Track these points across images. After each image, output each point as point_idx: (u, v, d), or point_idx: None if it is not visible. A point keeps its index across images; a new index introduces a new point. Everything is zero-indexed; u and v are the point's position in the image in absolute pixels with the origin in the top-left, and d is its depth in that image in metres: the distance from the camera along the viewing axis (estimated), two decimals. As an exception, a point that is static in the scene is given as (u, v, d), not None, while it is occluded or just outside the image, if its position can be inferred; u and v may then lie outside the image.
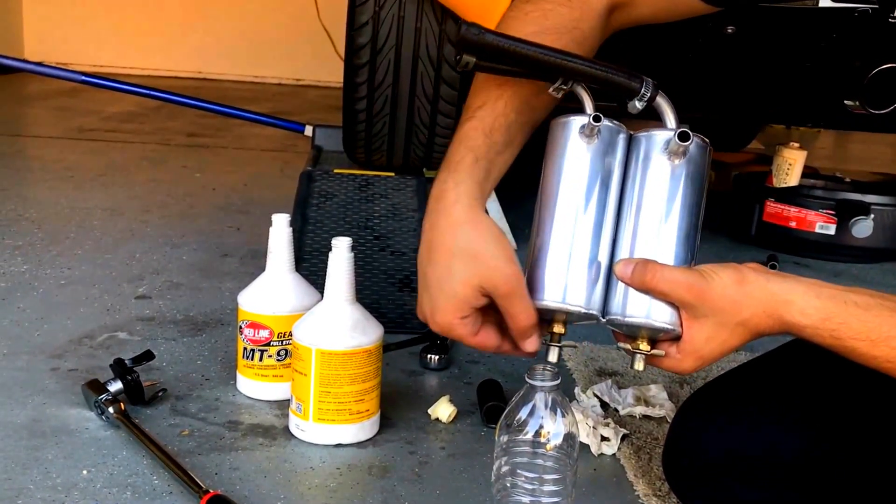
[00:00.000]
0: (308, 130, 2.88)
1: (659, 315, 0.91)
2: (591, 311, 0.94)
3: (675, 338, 0.92)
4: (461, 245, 0.93)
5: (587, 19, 1.06)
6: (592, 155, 0.94)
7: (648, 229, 0.93)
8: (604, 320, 0.95)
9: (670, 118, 0.95)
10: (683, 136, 0.91)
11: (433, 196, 0.98)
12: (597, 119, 0.93)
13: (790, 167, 2.47)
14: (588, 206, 0.94)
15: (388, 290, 1.76)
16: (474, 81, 1.04)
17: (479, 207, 0.95)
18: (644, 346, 0.94)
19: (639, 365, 0.94)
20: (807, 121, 2.82)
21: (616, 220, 0.95)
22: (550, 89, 0.97)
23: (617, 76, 0.94)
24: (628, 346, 0.95)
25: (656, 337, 0.93)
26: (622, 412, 1.38)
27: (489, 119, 0.99)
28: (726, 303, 0.89)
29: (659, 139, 0.94)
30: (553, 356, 0.97)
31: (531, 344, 0.97)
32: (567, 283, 0.93)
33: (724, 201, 2.77)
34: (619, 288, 0.93)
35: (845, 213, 2.40)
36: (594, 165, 0.94)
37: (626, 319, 0.93)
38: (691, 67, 1.98)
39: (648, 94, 0.94)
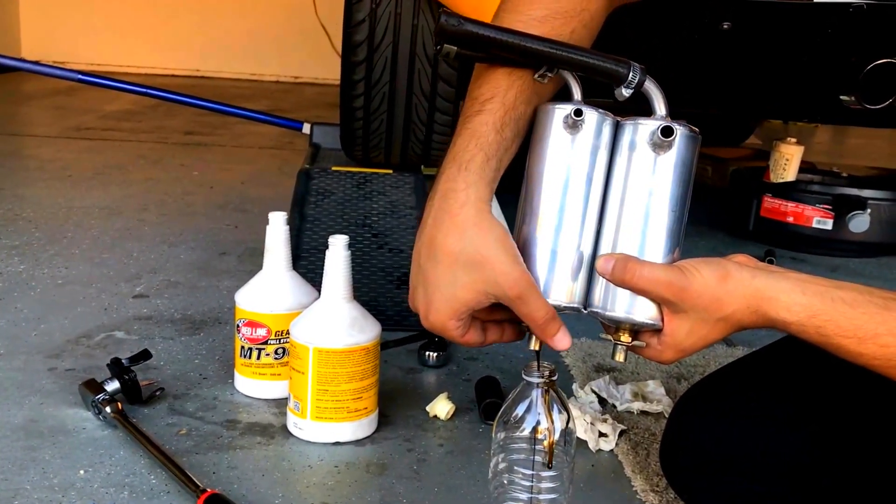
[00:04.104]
0: (306, 128, 2.88)
1: (639, 311, 0.91)
2: (572, 305, 0.94)
3: (657, 330, 0.92)
4: (467, 250, 0.92)
5: (594, 0, 1.05)
6: (576, 147, 0.93)
7: (632, 223, 0.92)
8: (585, 312, 0.95)
9: (660, 104, 0.93)
10: (667, 132, 0.89)
11: (439, 192, 0.95)
12: (578, 113, 0.91)
13: (787, 162, 2.47)
14: (571, 201, 0.93)
15: (386, 287, 1.76)
16: (477, 67, 1.02)
17: (486, 210, 0.94)
18: (625, 338, 0.94)
19: (619, 356, 0.95)
20: (804, 116, 2.83)
21: (600, 211, 0.94)
22: (535, 76, 0.96)
23: (602, 63, 0.92)
24: (610, 338, 0.96)
25: (638, 329, 0.94)
26: (620, 408, 1.39)
27: (500, 113, 0.96)
28: (707, 300, 0.89)
29: (645, 129, 0.92)
30: (534, 344, 0.96)
31: (561, 341, 0.94)
32: (550, 278, 0.93)
33: (722, 197, 2.77)
34: (601, 281, 0.92)
35: (842, 207, 2.40)
36: (578, 158, 0.93)
37: (607, 314, 0.93)
38: (688, 64, 1.98)
39: (636, 80, 0.92)
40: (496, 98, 0.97)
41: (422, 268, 0.96)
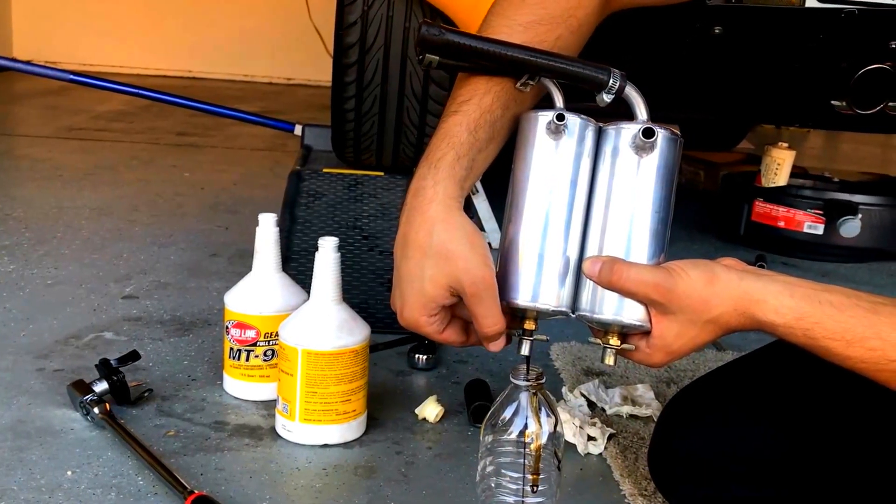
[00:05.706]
0: (298, 130, 2.87)
1: (628, 313, 0.91)
2: (561, 309, 0.94)
3: (646, 332, 0.92)
4: (434, 244, 0.93)
5: (584, 6, 1.05)
6: (560, 152, 0.93)
7: (617, 225, 0.92)
8: (573, 316, 0.95)
9: (641, 109, 0.93)
10: (648, 133, 0.90)
11: (411, 191, 0.97)
12: (560, 118, 0.92)
13: (779, 167, 2.47)
14: (557, 205, 0.93)
15: (377, 289, 1.75)
16: (460, 73, 1.03)
17: (455, 207, 0.95)
18: (614, 341, 0.94)
19: (609, 360, 0.94)
20: (795, 121, 2.83)
21: (586, 215, 0.94)
22: (517, 84, 0.97)
23: (582, 70, 0.93)
24: (599, 341, 0.96)
25: (626, 332, 0.94)
26: (609, 412, 1.39)
27: (475, 115, 0.98)
28: (695, 301, 0.89)
29: (627, 133, 0.92)
30: (525, 349, 0.97)
31: (496, 346, 0.96)
32: (537, 282, 0.93)
33: (713, 201, 2.77)
34: (588, 285, 0.93)
35: (833, 212, 2.40)
36: (562, 163, 0.93)
37: (595, 316, 0.93)
38: (680, 68, 1.98)
39: (617, 86, 0.92)
40: (473, 100, 0.98)
41: (397, 265, 0.98)
